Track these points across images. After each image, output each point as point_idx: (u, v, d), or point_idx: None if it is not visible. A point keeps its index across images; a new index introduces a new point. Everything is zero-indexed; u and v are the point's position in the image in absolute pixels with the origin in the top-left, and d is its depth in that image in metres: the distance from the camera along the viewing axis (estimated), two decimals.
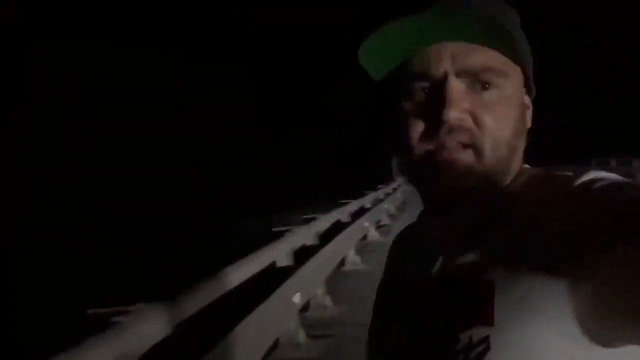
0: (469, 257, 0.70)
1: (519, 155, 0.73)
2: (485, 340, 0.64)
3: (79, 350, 1.80)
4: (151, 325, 2.17)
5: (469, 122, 0.68)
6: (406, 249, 0.85)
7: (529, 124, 0.75)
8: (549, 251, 0.63)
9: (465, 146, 0.68)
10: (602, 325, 0.60)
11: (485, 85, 0.69)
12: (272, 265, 5.02)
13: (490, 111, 0.68)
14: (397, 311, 0.78)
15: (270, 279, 4.34)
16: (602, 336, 0.61)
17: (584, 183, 0.66)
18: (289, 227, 6.47)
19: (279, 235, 5.77)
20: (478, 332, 0.65)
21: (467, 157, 0.68)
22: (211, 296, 3.08)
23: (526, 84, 0.74)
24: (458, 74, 0.68)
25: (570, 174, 0.70)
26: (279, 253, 5.33)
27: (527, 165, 0.76)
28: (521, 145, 0.73)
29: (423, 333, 0.72)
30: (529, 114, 0.75)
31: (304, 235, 6.70)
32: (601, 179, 0.65)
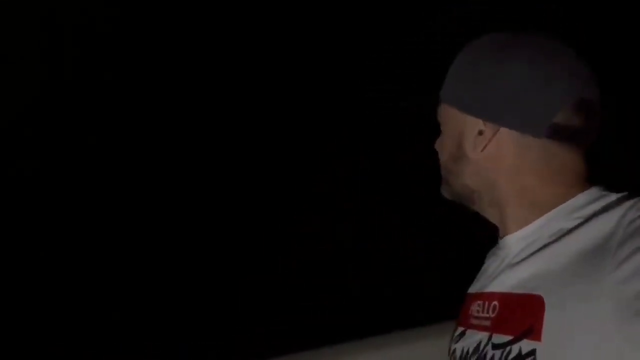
0: (526, 273, 0.78)
1: (469, 174, 0.87)
2: (532, 353, 0.70)
3: None
4: None
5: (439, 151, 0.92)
6: (485, 265, 0.94)
7: (471, 148, 0.85)
8: (599, 271, 0.67)
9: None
10: None
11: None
12: None
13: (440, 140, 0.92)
14: (465, 322, 0.89)
15: None
16: None
17: None
18: None
19: None
20: (527, 346, 0.71)
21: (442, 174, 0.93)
22: None
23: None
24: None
25: (633, 197, 0.74)
26: None
27: (594, 187, 0.81)
28: (462, 168, 0.87)
29: (482, 343, 0.81)
30: (473, 140, 0.85)
31: None
32: None
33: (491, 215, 0.88)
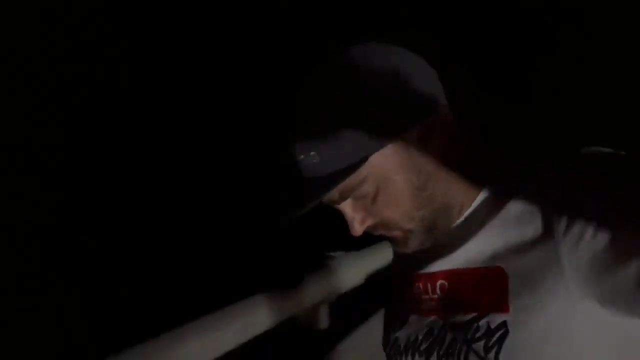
0: (479, 247, 0.74)
1: (443, 190, 0.75)
2: (503, 325, 0.68)
3: None
4: None
5: (374, 220, 0.75)
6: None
7: (425, 165, 0.74)
8: (550, 238, 0.67)
9: (390, 230, 0.76)
10: (615, 306, 0.64)
11: (358, 198, 0.75)
12: None
13: (380, 204, 0.74)
14: (412, 306, 0.82)
15: None
16: (615, 315, 0.64)
17: (585, 164, 0.69)
18: None
19: None
20: (495, 319, 0.69)
21: (398, 234, 0.76)
22: None
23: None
24: (342, 198, 0.75)
25: (570, 156, 0.71)
26: None
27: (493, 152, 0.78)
28: (433, 189, 0.74)
29: (441, 324, 0.76)
30: (416, 157, 0.74)
31: None
32: (595, 156, 0.69)
33: (440, 220, 0.78)
